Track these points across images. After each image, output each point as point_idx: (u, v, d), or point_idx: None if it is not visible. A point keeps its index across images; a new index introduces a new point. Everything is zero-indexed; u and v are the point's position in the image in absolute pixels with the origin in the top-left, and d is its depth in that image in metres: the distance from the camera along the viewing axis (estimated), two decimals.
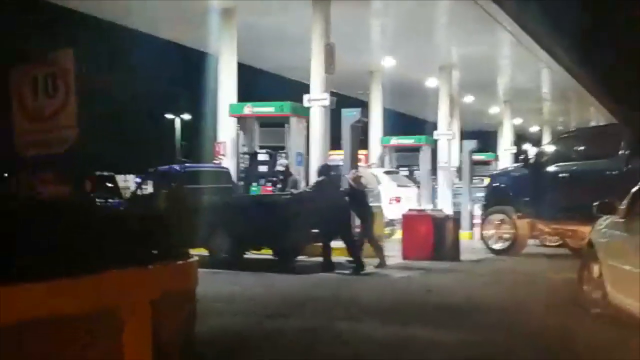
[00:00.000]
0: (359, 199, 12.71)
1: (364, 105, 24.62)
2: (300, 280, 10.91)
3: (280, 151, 16.45)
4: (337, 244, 12.32)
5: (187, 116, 40.67)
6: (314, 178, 15.90)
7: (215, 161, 17.09)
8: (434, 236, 13.85)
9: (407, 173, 23.43)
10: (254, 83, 18.46)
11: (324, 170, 13.08)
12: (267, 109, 16.66)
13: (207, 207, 12.20)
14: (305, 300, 8.92)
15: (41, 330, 3.81)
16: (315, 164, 16.10)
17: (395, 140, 25.11)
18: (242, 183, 16.39)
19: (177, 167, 14.09)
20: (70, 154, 5.14)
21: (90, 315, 4.50)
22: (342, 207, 12.33)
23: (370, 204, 13.37)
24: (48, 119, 5.24)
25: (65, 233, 4.57)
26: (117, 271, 4.76)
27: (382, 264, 12.42)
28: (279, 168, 14.75)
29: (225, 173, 14.89)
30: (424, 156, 23.92)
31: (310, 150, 16.39)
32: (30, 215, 4.66)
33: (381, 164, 23.81)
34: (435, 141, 24.82)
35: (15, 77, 5.37)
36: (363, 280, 11.02)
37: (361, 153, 23.33)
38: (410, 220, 14.19)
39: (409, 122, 31.51)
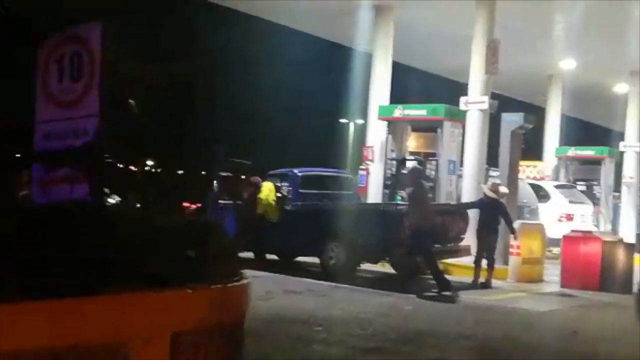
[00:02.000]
0: (491, 210, 11.48)
1: (538, 111, 22.47)
2: (420, 305, 9.49)
3: (431, 158, 15.02)
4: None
5: (361, 121, 40.20)
6: (467, 187, 14.41)
7: (361, 166, 16.05)
8: (601, 263, 11.80)
9: (584, 188, 20.94)
10: (407, 83, 17.15)
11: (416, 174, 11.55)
12: (419, 111, 15.30)
13: (321, 214, 11.22)
14: (420, 332, 7.53)
15: None
16: (469, 173, 14.53)
17: (572, 152, 22.60)
18: (386, 191, 15.14)
19: (296, 170, 13.19)
20: (89, 147, 4.22)
21: (81, 348, 3.55)
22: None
23: (501, 219, 11.80)
24: (70, 106, 4.38)
25: (55, 241, 3.67)
26: (123, 294, 3.76)
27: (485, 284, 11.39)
28: (404, 172, 13.39)
29: (347, 179, 13.83)
30: (606, 170, 21.35)
31: (465, 158, 14.79)
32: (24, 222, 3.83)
33: (555, 177, 21.53)
34: (621, 154, 22.05)
35: (42, 54, 4.54)
36: (496, 311, 9.36)
37: (530, 164, 21.34)
38: (572, 243, 12.20)
39: (589, 131, 28.49)
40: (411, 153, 15.55)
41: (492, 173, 14.80)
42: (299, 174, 13.37)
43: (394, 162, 15.42)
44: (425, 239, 10.50)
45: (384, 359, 6.25)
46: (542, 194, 18.01)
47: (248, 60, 29.56)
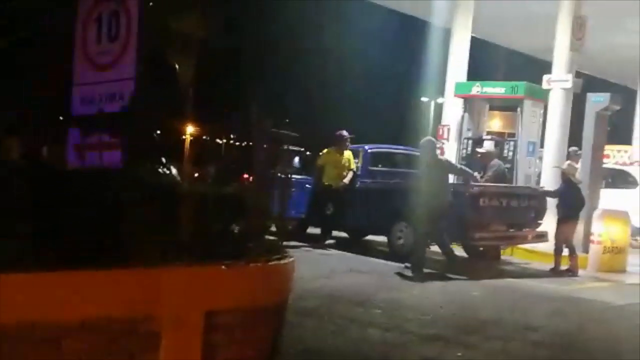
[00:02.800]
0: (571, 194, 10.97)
1: (630, 94, 21.27)
2: (489, 291, 9.00)
3: (509, 139, 14.33)
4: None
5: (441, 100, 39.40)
6: (547, 171, 13.70)
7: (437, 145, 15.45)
8: None
9: None
10: (486, 60, 16.39)
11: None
12: (498, 89, 14.59)
13: (390, 192, 10.82)
14: (485, 321, 7.10)
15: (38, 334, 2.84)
16: (550, 155, 13.80)
17: None
18: None
19: (366, 147, 12.74)
20: (126, 113, 4.01)
21: (112, 321, 3.35)
22: None
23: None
24: (106, 69, 4.16)
25: (83, 211, 3.46)
26: (156, 268, 3.58)
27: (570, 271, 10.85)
28: (481, 151, 12.71)
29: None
30: None
31: (546, 139, 14.04)
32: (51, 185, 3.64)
33: None
34: None
35: (82, 14, 4.33)
36: (570, 302, 8.79)
37: (620, 148, 20.22)
38: None
39: None
40: (488, 133, 14.84)
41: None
42: (369, 151, 12.96)
43: (470, 142, 14.76)
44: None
45: (441, 349, 5.85)
46: (630, 180, 17.08)
47: (323, 35, 29.17)
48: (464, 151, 14.70)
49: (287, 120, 10.46)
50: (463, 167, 11.36)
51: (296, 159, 13.27)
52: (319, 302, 7.41)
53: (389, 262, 10.73)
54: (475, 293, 8.79)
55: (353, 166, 12.24)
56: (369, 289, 8.51)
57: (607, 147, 18.49)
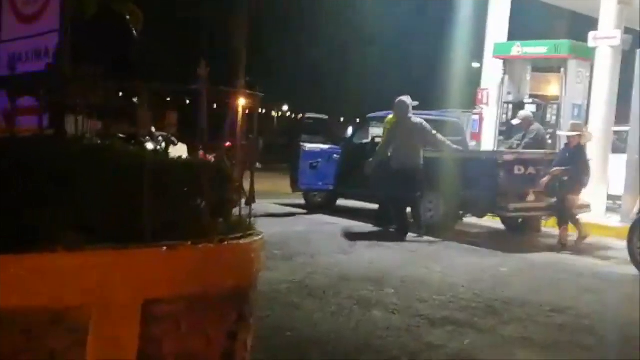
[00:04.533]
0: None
1: None
2: (520, 267, 8.30)
3: (552, 102, 13.41)
4: None
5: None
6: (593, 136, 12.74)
7: (475, 110, 14.68)
8: None
9: None
10: (529, 19, 15.35)
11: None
12: (540, 48, 13.63)
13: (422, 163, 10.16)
14: (510, 301, 6.44)
15: None
16: (597, 119, 12.84)
17: None
18: (501, 138, 13.72)
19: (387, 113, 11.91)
20: (52, 72, 3.48)
21: (28, 314, 2.91)
22: None
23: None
24: (31, 20, 3.64)
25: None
26: (81, 251, 3.11)
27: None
28: (515, 122, 11.78)
29: (455, 124, 12.39)
30: None
31: (592, 102, 13.07)
32: None
33: None
34: None
35: None
36: (608, 279, 8.02)
37: None
38: None
39: None
40: (531, 96, 13.88)
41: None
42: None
43: (510, 106, 13.90)
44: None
45: (450, 335, 5.23)
46: None
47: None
48: (504, 116, 13.84)
49: (248, 79, 9.84)
50: (437, 135, 10.28)
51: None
52: (327, 281, 6.88)
53: (417, 236, 10.11)
54: (504, 269, 8.11)
55: None
56: (387, 264, 7.94)
57: None
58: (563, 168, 9.85)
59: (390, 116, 10.77)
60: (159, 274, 3.24)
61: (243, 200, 3.90)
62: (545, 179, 9.91)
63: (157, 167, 3.46)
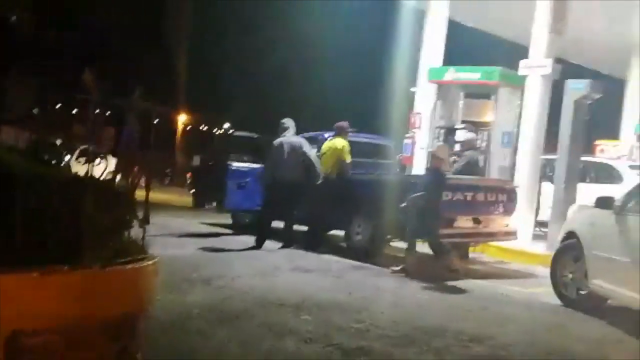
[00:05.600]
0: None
1: (619, 84, 20.35)
2: (442, 294, 8.16)
3: (483, 128, 13.45)
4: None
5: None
6: (524, 162, 12.84)
7: (407, 135, 14.63)
8: None
9: None
10: (464, 45, 15.46)
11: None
12: (473, 74, 13.71)
13: (349, 184, 10.05)
14: (429, 330, 6.24)
15: None
16: (526, 145, 12.92)
17: None
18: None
19: (326, 135, 11.57)
20: None
21: None
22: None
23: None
24: None
25: None
26: None
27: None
28: (459, 139, 11.80)
29: (386, 147, 12.38)
30: None
31: (522, 128, 13.16)
32: None
33: (630, 156, 19.45)
34: None
35: None
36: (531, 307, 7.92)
37: (614, 143, 19.31)
38: None
39: None
40: (463, 122, 13.83)
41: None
42: (326, 137, 11.85)
43: (442, 131, 13.91)
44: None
45: None
46: (615, 175, 16.13)
47: (282, 13, 28.27)
48: (436, 140, 13.80)
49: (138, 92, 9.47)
50: (309, 156, 10.72)
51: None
52: (243, 306, 6.58)
53: (343, 260, 9.94)
54: (426, 296, 7.95)
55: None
56: (309, 289, 7.67)
57: (602, 141, 17.86)
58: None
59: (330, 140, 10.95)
60: (29, 302, 2.95)
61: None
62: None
63: (30, 181, 3.16)
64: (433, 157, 10.05)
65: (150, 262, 3.55)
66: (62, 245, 3.13)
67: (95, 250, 3.26)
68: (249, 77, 39.31)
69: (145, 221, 3.75)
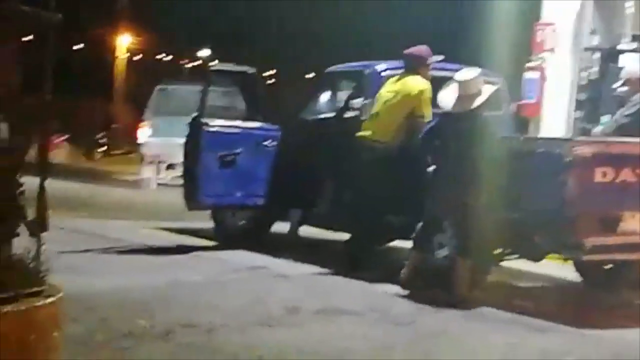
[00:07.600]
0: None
1: None
2: None
3: None
4: None
5: None
6: None
7: (529, 64, 9.13)
8: None
9: None
10: None
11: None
12: None
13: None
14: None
15: None
16: None
17: None
18: (579, 113, 8.56)
19: (376, 67, 7.03)
20: None
21: None
22: None
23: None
24: None
25: None
26: None
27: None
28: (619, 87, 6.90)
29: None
30: None
31: None
32: None
33: None
34: None
35: None
36: None
37: None
38: None
39: None
40: (634, 38, 8.53)
41: None
42: (382, 73, 6.90)
43: (598, 55, 8.75)
44: None
45: None
46: None
47: None
48: (587, 73, 8.70)
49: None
50: None
51: None
52: None
53: None
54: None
55: None
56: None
57: None
58: None
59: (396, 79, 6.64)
60: None
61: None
62: None
63: None
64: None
65: (47, 301, 2.54)
66: None
67: None
68: None
69: (39, 226, 2.68)
